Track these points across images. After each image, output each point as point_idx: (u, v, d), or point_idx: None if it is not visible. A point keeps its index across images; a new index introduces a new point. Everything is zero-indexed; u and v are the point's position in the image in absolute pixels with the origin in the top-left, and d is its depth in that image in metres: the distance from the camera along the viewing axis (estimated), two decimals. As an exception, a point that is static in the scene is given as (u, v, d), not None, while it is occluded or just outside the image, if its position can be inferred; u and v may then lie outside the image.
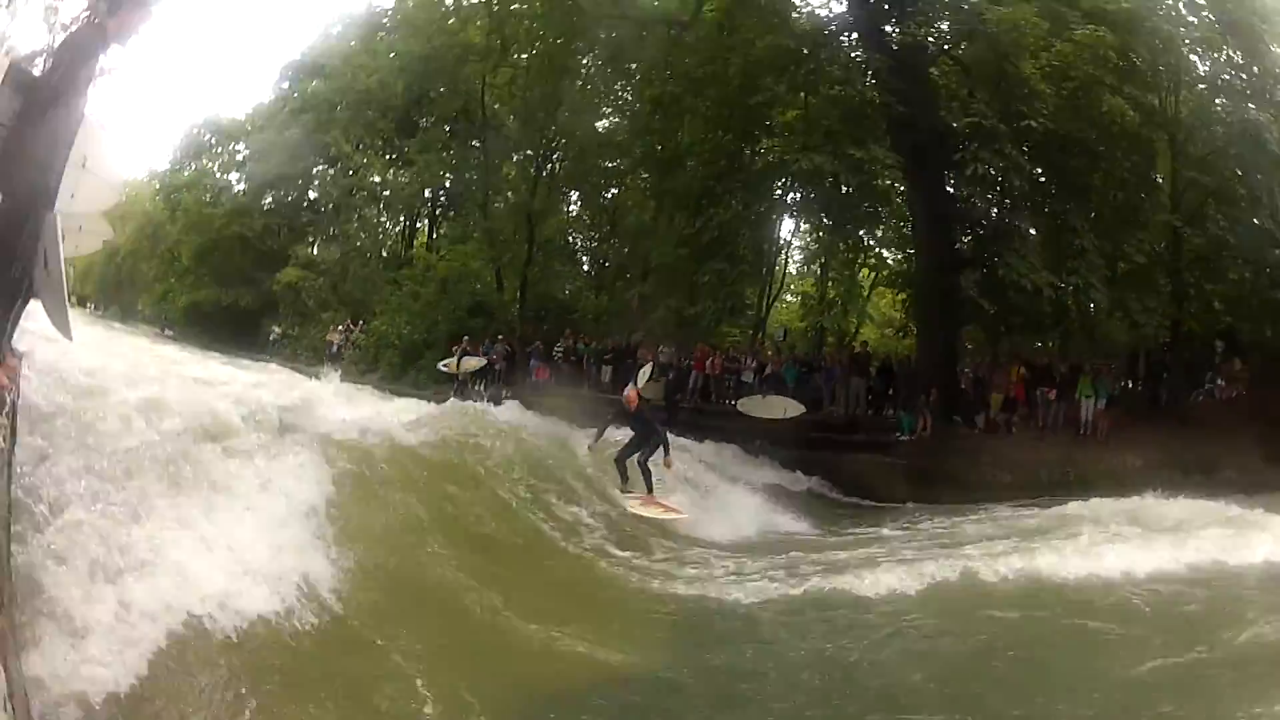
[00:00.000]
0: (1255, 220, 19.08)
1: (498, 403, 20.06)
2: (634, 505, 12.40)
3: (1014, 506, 14.98)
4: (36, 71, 4.77)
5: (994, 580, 8.77)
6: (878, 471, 19.29)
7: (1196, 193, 20.63)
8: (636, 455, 12.71)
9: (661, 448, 12.66)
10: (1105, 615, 7.87)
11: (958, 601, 8.30)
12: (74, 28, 4.73)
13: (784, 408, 20.03)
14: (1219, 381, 19.48)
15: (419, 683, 5.57)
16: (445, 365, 25.60)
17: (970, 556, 9.79)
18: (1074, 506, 13.43)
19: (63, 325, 5.84)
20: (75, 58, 4.33)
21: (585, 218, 35.31)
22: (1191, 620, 7.66)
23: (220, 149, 47.00)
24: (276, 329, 37.89)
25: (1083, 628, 7.58)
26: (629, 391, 13.65)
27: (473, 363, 25.27)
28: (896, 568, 9.41)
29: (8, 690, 2.71)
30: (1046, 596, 8.39)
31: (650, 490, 12.62)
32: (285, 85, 46.11)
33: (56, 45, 4.81)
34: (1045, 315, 21.14)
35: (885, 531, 13.79)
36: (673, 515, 12.55)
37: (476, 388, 24.72)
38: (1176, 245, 20.40)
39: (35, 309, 5.71)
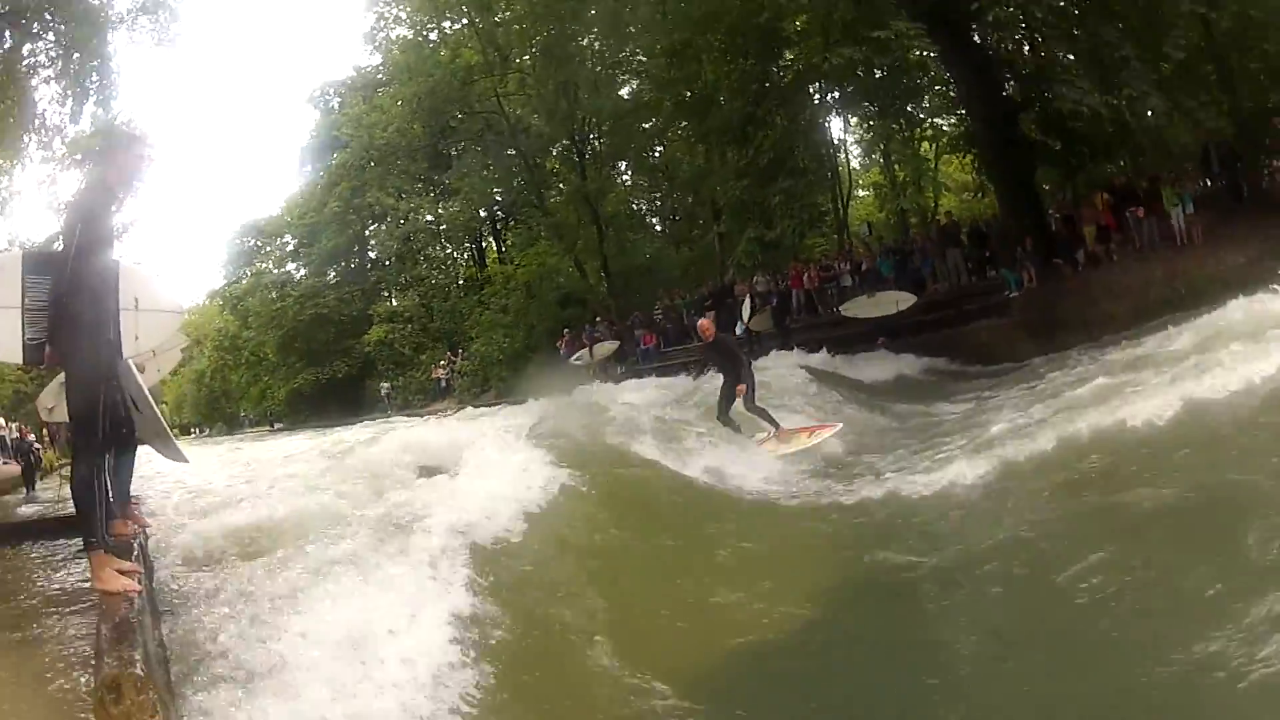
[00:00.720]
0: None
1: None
2: (771, 448, 10.47)
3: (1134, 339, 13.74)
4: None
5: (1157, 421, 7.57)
6: (997, 335, 18.76)
7: (1206, -28, 19.82)
8: (741, 403, 10.84)
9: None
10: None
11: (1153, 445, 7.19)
12: (74, 195, 4.83)
13: (895, 301, 19.51)
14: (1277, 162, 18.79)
15: (611, 658, 5.28)
16: (578, 358, 25.52)
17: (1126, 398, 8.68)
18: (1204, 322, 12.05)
19: (174, 454, 5.95)
20: (86, 218, 4.28)
21: (641, 182, 35.29)
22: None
23: (268, 248, 48.43)
24: (386, 384, 38.52)
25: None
26: (702, 321, 12.21)
27: (607, 347, 25.20)
28: (1045, 430, 8.44)
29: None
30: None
31: (776, 425, 10.73)
32: (308, 168, 47.55)
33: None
34: (1109, 135, 20.37)
35: (1023, 394, 12.88)
36: (820, 436, 10.56)
37: (618, 369, 24.52)
38: (1208, 32, 19.45)
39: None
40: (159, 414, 5.51)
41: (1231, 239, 16.71)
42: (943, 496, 7.79)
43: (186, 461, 6.40)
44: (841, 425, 11.01)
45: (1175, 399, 7.62)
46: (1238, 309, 11.42)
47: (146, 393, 5.26)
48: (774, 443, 10.54)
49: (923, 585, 5.96)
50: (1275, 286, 11.91)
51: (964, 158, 26.86)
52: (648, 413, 12.37)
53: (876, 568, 6.54)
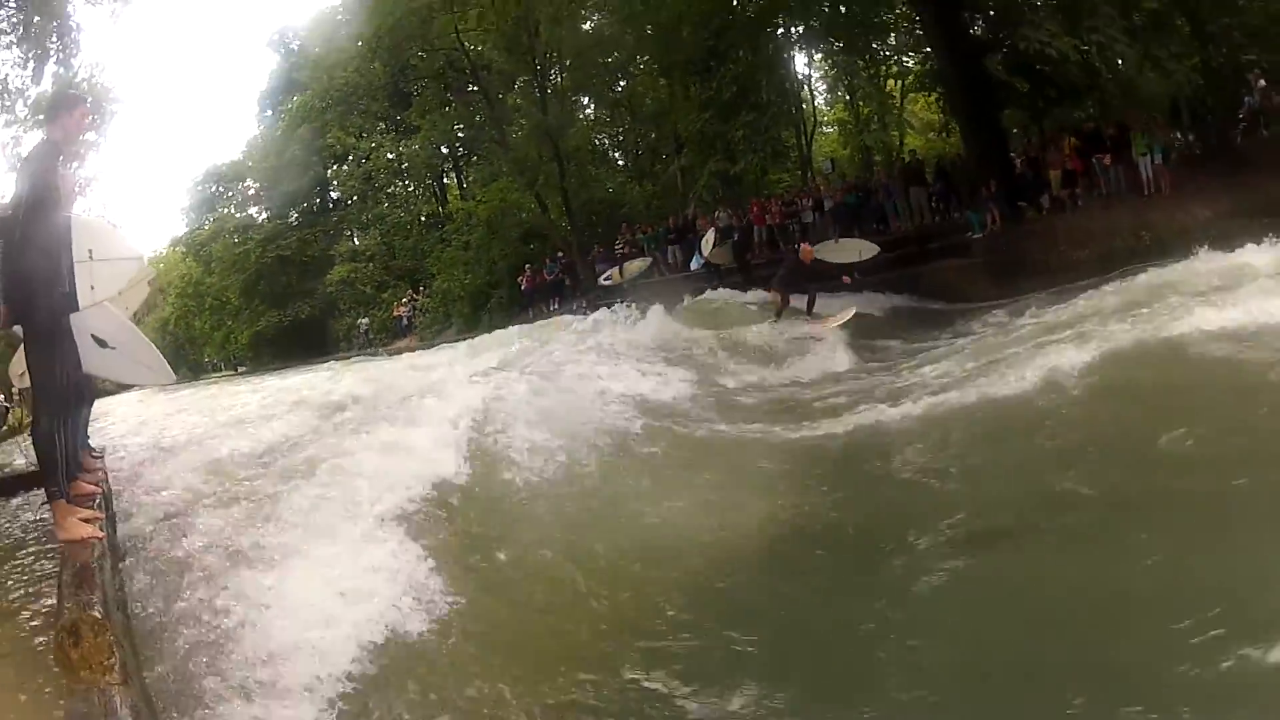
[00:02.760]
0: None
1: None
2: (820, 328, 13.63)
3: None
4: None
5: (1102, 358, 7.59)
6: (960, 275, 18.18)
7: (1188, -78, 18.99)
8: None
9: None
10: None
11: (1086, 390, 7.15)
12: (25, 157, 4.87)
13: (858, 250, 18.37)
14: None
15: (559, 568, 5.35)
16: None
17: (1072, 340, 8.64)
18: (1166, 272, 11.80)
19: (162, 374, 6.27)
20: (35, 177, 4.29)
21: (604, 116, 34.50)
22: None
23: (230, 192, 47.10)
24: (365, 320, 37.86)
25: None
26: (806, 246, 15.82)
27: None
28: (1014, 366, 8.23)
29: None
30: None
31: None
32: (269, 113, 46.33)
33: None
34: (1077, 80, 19.68)
35: (982, 331, 12.88)
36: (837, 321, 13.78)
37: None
38: None
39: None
40: (139, 339, 5.81)
41: (1199, 192, 16.29)
42: (891, 435, 7.42)
43: (173, 380, 6.86)
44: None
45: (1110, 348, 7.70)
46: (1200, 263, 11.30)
47: (124, 324, 5.55)
48: (818, 326, 13.77)
49: (869, 526, 5.80)
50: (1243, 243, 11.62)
51: (930, 96, 26.18)
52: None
53: (824, 504, 6.37)
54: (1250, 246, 11.22)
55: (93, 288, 5.22)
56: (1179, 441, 5.67)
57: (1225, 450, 5.43)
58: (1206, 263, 11.15)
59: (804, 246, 15.83)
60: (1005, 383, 7.69)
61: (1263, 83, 18.30)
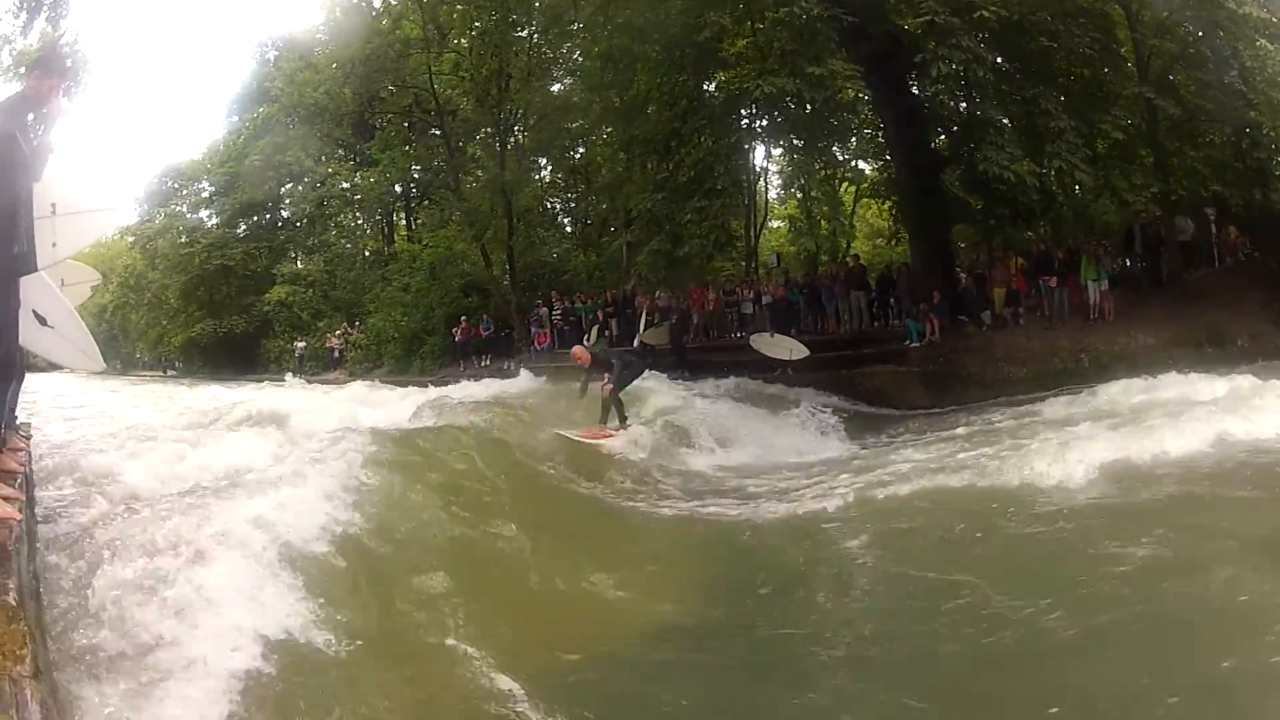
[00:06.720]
0: (1225, 81, 17.77)
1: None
2: (580, 434, 11.34)
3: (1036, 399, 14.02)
4: None
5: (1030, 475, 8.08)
6: (894, 381, 17.99)
7: (1162, 60, 19.13)
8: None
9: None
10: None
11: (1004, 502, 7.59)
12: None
13: (789, 349, 18.60)
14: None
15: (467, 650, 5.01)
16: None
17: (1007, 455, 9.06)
18: (1103, 392, 12.85)
19: (93, 361, 6.05)
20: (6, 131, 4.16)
21: (559, 180, 34.55)
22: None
23: (185, 191, 46.51)
24: (301, 343, 36.89)
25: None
26: (576, 349, 12.80)
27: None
28: (936, 474, 8.68)
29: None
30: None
31: (606, 424, 11.73)
32: (235, 118, 45.74)
33: None
34: (1033, 203, 19.71)
35: (912, 439, 12.86)
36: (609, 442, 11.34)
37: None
38: (1152, 116, 18.81)
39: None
40: (77, 322, 5.57)
41: (1144, 319, 16.61)
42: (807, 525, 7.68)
43: (101, 367, 6.55)
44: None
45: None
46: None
47: (65, 303, 5.37)
48: (592, 430, 11.48)
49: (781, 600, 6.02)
50: (1181, 371, 11.90)
51: (883, 204, 26.34)
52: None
53: (732, 579, 6.62)
54: (1193, 375, 12.15)
55: (55, 245, 5.04)
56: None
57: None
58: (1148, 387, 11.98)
59: (576, 350, 13.16)
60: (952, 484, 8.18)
61: (1212, 212, 18.86)
